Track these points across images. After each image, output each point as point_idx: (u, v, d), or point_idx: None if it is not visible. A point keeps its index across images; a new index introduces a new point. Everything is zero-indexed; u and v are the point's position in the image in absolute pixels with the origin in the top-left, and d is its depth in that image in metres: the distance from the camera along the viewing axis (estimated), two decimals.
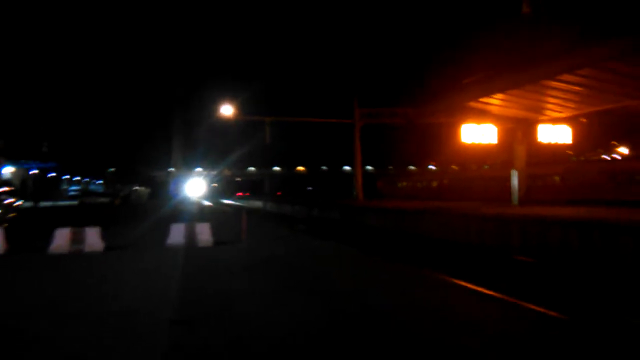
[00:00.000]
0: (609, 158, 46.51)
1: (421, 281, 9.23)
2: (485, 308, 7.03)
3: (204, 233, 13.72)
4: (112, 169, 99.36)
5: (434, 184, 47.38)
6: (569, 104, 19.94)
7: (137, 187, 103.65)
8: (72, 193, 69.82)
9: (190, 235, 13.53)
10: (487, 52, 18.03)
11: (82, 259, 11.18)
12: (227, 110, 34.81)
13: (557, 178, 29.77)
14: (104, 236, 12.63)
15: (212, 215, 27.94)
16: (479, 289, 8.33)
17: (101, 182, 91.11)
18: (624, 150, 50.17)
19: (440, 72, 22.62)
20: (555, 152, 32.20)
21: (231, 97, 41.58)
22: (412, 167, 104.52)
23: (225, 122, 37.28)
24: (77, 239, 12.17)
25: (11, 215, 17.11)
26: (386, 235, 22.40)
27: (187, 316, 6.34)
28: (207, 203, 56.51)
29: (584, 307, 8.97)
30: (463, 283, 8.90)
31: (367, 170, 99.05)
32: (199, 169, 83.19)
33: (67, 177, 72.35)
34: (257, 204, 65.25)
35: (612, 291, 10.57)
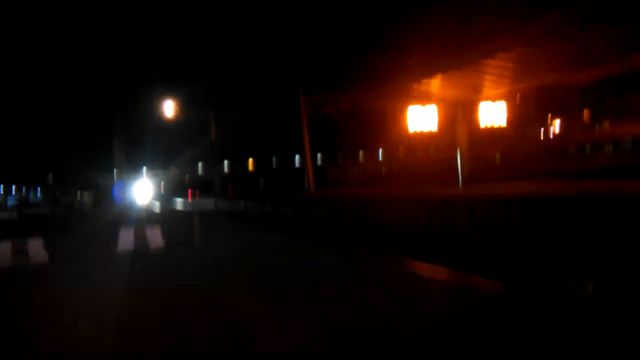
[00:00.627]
0: (543, 132, 48.80)
1: (376, 264, 9.41)
2: (432, 283, 7.27)
3: (155, 236, 13.38)
4: (51, 176, 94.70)
5: (383, 169, 48.25)
6: (505, 81, 20.79)
7: (79, 193, 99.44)
8: (10, 205, 66.04)
9: (141, 240, 13.16)
10: (429, 34, 18.44)
11: (26, 272, 10.63)
12: (169, 107, 33.86)
13: (497, 156, 31.04)
14: (49, 247, 12.06)
15: (162, 217, 27.26)
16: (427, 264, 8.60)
17: (40, 189, 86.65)
18: (559, 123, 52.76)
19: (383, 55, 22.89)
20: (494, 130, 33.44)
21: (173, 93, 40.52)
22: (361, 153, 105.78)
23: (169, 120, 36.30)
24: (19, 252, 11.57)
25: None
26: (337, 225, 22.60)
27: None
28: (155, 205, 55.02)
29: (524, 276, 9.42)
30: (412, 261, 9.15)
31: (318, 160, 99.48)
32: (144, 171, 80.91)
33: (2, 186, 68.31)
34: (208, 202, 64.18)
35: (552, 260, 11.15)
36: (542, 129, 52.58)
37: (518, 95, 24.23)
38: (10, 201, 68.80)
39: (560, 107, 43.31)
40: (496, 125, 25.11)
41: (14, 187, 71.74)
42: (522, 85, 21.30)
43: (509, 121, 24.93)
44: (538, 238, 13.52)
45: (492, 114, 22.55)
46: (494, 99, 22.51)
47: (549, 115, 52.51)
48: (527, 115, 42.61)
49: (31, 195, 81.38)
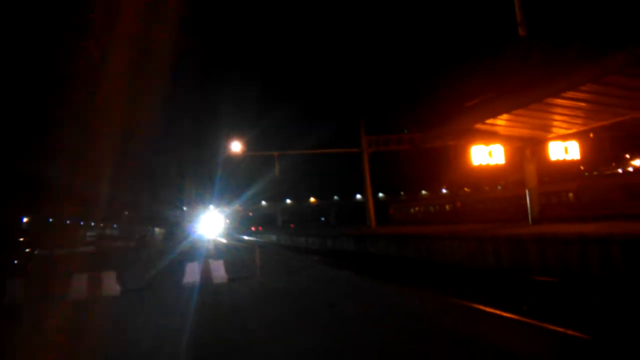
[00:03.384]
0: (621, 172, 46.01)
1: (442, 307, 9.13)
2: (508, 332, 6.92)
3: (219, 270, 13.77)
4: (127, 212, 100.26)
5: (447, 207, 47.11)
6: (576, 120, 19.95)
7: (152, 228, 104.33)
8: (89, 238, 70.35)
9: (205, 273, 13.58)
10: (488, 74, 18.24)
11: (100, 303, 11.25)
12: (236, 147, 35.30)
13: (570, 194, 29.49)
14: (121, 279, 12.71)
15: (226, 252, 27.98)
16: (501, 312, 8.21)
17: (116, 225, 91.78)
18: (637, 162, 49.66)
19: (443, 95, 22.82)
20: (566, 168, 31.97)
21: (240, 133, 42.17)
22: (424, 192, 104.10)
23: (235, 159, 37.76)
24: (94, 284, 12.27)
25: (29, 264, 17.29)
26: (399, 262, 22.21)
27: (203, 354, 6.34)
28: (221, 240, 56.61)
29: (608, 327, 8.79)
30: (485, 308, 8.77)
31: (379, 198, 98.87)
32: (211, 207, 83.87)
33: (83, 222, 73.05)
34: (271, 237, 65.22)
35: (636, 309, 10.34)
36: (620, 168, 49.66)
37: (592, 134, 23.14)
38: (89, 235, 73.39)
39: (638, 145, 40.73)
40: (568, 163, 24.05)
41: (93, 222, 76.58)
42: (596, 124, 20.33)
43: (582, 160, 23.80)
44: (618, 282, 12.62)
45: (563, 152, 21.65)
46: (565, 138, 21.63)
47: (627, 154, 49.56)
48: (602, 154, 40.53)
49: (108, 230, 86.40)
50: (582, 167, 43.94)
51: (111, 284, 12.33)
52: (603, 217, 23.38)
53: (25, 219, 46.58)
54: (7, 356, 6.74)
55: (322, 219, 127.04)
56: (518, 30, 14.18)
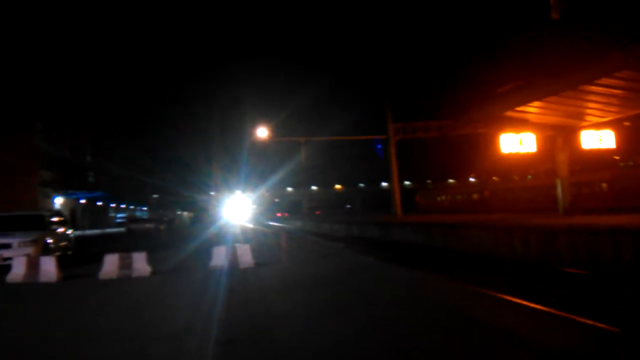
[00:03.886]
0: None
1: (469, 296, 9.08)
2: (535, 323, 6.85)
3: (245, 254, 13.95)
4: (156, 195, 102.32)
5: (475, 196, 46.51)
6: (611, 108, 19.37)
7: (180, 212, 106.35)
8: (119, 220, 72.21)
9: (232, 257, 13.78)
10: (518, 60, 17.80)
11: (130, 283, 11.57)
12: (262, 132, 35.53)
13: (604, 185, 28.72)
14: (151, 260, 13.03)
15: (253, 236, 28.34)
16: (529, 303, 8.12)
17: (146, 208, 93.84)
18: None
19: (472, 81, 22.45)
20: (599, 158, 31.14)
21: (266, 119, 42.38)
22: (451, 180, 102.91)
23: (262, 144, 38.01)
24: (125, 264, 12.61)
25: (62, 244, 17.85)
26: (425, 251, 22.10)
27: (231, 337, 6.47)
28: (248, 225, 57.33)
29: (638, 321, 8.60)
30: (512, 298, 8.68)
31: (405, 186, 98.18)
32: (239, 192, 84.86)
33: (114, 205, 74.93)
34: (297, 223, 65.67)
35: None
36: None
37: (627, 122, 22.43)
38: (119, 218, 75.38)
39: None
40: (601, 153, 23.41)
41: (123, 205, 78.47)
42: (632, 112, 19.67)
43: (616, 149, 23.11)
44: None
45: (597, 141, 21.06)
46: (599, 126, 21.03)
47: None
48: (638, 143, 39.22)
49: (138, 212, 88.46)
50: (616, 157, 42.68)
51: (141, 265, 12.65)
52: (637, 209, 22.73)
53: (58, 200, 48.11)
54: (38, 337, 7.00)
55: (348, 206, 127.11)
56: (551, 13, 13.75)
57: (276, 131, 36.64)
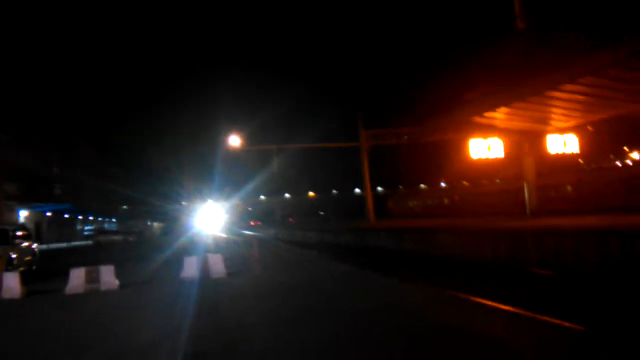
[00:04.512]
0: (621, 165, 46.03)
1: (441, 300, 9.14)
2: (505, 324, 6.93)
3: (217, 264, 13.75)
4: (126, 207, 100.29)
5: (446, 201, 47.14)
6: (575, 114, 19.96)
7: (151, 223, 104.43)
8: (87, 233, 70.38)
9: (204, 268, 13.56)
10: (486, 67, 18.21)
11: (98, 297, 11.24)
12: (234, 141, 35.25)
13: (569, 188, 29.49)
14: (120, 274, 12.70)
15: (226, 246, 27.99)
16: (499, 305, 8.23)
17: (115, 220, 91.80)
18: (636, 156, 49.69)
19: (442, 88, 22.81)
20: (565, 162, 31.99)
21: (239, 127, 42.12)
22: (423, 186, 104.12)
23: (235, 153, 37.70)
24: (92, 278, 12.25)
25: (27, 259, 17.26)
26: (398, 257, 22.23)
27: (202, 350, 6.33)
28: (221, 234, 56.66)
29: (604, 319, 8.81)
30: (482, 300, 8.79)
31: (378, 192, 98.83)
32: (211, 201, 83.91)
33: (82, 217, 73.00)
34: (271, 232, 65.28)
35: (635, 298, 10.36)
36: (619, 161, 49.67)
37: (590, 127, 23.15)
38: (87, 230, 73.45)
39: (638, 139, 40.78)
40: (567, 157, 24.08)
41: (91, 217, 76.51)
42: (595, 117, 20.31)
43: (581, 153, 23.82)
44: (616, 274, 12.64)
45: (562, 145, 21.66)
46: (563, 131, 21.65)
47: (625, 148, 49.54)
48: (601, 147, 40.53)
49: (107, 224, 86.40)
50: (581, 161, 44.00)
51: (109, 279, 12.31)
52: (602, 211, 23.41)
53: (23, 214, 46.59)
54: None
55: (321, 213, 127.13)
56: (517, 22, 14.14)
57: (249, 140, 36.46)
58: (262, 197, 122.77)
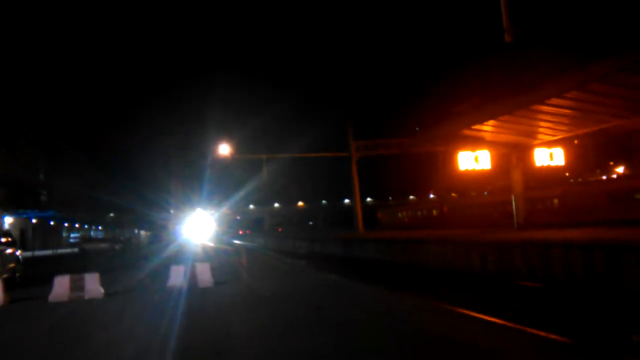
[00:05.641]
0: (606, 178, 46.66)
1: (428, 311, 9.15)
2: (492, 336, 6.96)
3: (205, 273, 13.64)
4: (112, 214, 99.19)
5: (434, 212, 47.32)
6: (561, 127, 20.20)
7: (138, 231, 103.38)
8: (73, 240, 69.43)
9: (192, 277, 13.45)
10: (475, 80, 18.41)
11: (82, 306, 11.08)
12: (224, 149, 35.16)
13: (555, 200, 29.81)
14: (105, 282, 12.54)
15: (214, 255, 27.80)
16: (486, 317, 8.26)
17: (101, 227, 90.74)
18: (621, 169, 50.42)
19: (431, 101, 23.02)
20: (552, 175, 32.35)
21: (229, 136, 42.07)
22: (411, 197, 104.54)
23: (224, 161, 37.58)
24: (76, 286, 12.08)
25: (10, 265, 16.99)
26: (387, 267, 22.23)
27: None
28: (209, 243, 56.25)
29: (589, 331, 8.87)
30: (470, 312, 8.81)
31: (367, 202, 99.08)
32: (200, 209, 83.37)
33: (67, 224, 72.06)
34: (259, 241, 64.97)
35: (619, 310, 10.47)
36: (604, 174, 50.35)
37: (576, 141, 23.46)
38: (73, 237, 72.46)
39: (621, 152, 41.41)
40: (553, 170, 24.32)
41: (77, 224, 75.57)
42: (580, 131, 20.59)
43: (567, 166, 24.10)
44: (600, 287, 12.75)
45: (549, 159, 21.91)
46: (550, 144, 21.90)
47: (611, 161, 50.26)
48: (586, 160, 41.09)
49: (93, 232, 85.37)
50: (567, 174, 44.49)
51: (94, 287, 12.15)
52: (587, 223, 23.67)
53: (7, 220, 45.89)
54: None
55: (310, 222, 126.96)
56: (504, 36, 14.35)
57: (239, 148, 36.40)
58: (252, 206, 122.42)
